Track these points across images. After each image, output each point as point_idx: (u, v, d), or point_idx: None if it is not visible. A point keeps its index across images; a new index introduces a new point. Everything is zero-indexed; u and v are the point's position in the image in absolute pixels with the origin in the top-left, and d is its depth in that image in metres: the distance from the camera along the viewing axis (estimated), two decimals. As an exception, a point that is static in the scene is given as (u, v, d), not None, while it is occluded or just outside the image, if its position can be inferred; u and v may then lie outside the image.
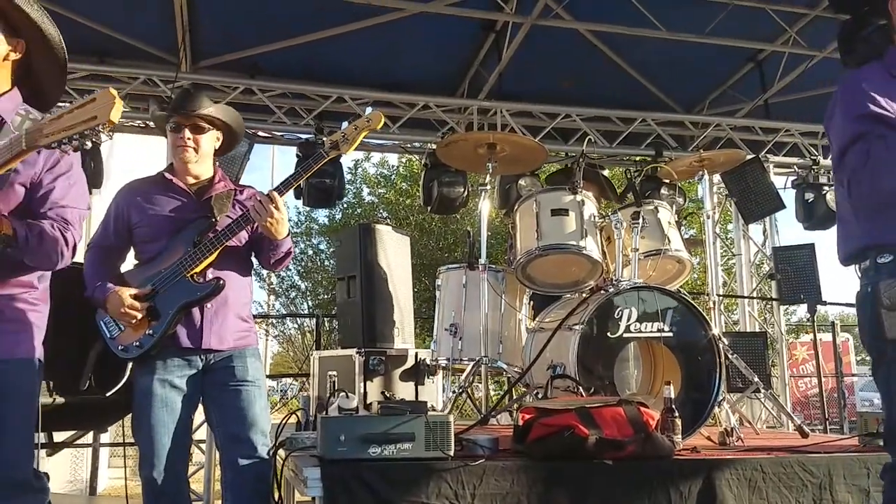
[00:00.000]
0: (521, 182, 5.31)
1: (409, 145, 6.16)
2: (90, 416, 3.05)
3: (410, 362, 4.38)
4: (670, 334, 3.16)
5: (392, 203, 13.81)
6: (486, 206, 3.62)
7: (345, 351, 4.34)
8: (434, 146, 5.71)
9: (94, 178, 4.91)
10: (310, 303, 16.16)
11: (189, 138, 2.74)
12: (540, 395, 3.18)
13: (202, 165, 2.81)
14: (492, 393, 4.10)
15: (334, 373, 4.34)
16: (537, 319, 3.74)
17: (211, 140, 2.81)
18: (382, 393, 4.09)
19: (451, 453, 2.39)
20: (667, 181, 4.61)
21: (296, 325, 16.75)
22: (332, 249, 14.88)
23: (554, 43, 5.09)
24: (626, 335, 3.11)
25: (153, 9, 4.64)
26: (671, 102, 6.06)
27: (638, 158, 6.25)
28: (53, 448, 3.04)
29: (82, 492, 7.24)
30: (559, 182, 4.62)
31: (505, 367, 3.68)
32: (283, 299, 16.40)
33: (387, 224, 6.28)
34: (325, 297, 15.09)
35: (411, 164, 13.51)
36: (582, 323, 3.06)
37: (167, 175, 2.81)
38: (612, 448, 2.49)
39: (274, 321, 15.61)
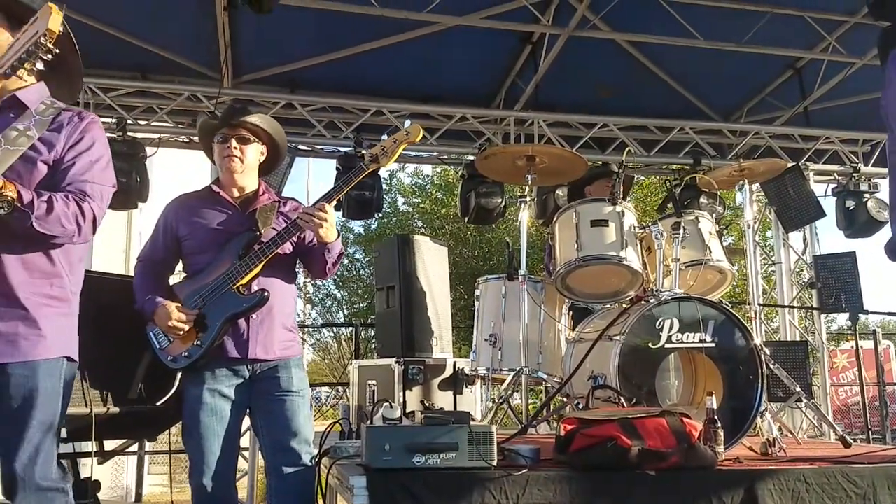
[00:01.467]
0: (559, 192, 5.32)
1: (446, 156, 6.21)
2: (141, 425, 3.13)
3: (449, 372, 4.41)
4: (712, 345, 3.14)
5: (427, 213, 13.89)
6: (525, 218, 3.65)
7: (384, 360, 4.39)
8: (471, 157, 5.77)
9: (141, 192, 5.06)
10: (345, 312, 16.32)
11: (236, 147, 2.81)
12: (581, 406, 3.19)
13: (247, 177, 2.88)
14: (530, 403, 4.11)
15: (374, 382, 4.41)
16: (577, 330, 3.74)
17: (256, 152, 2.89)
18: (422, 402, 4.12)
19: (494, 463, 2.41)
20: (705, 190, 4.59)
21: (332, 334, 16.92)
22: (367, 259, 15.01)
23: (591, 53, 5.11)
24: (667, 346, 3.10)
25: (196, 25, 4.76)
26: (709, 111, 6.03)
27: (675, 167, 6.22)
28: (104, 456, 3.12)
29: (123, 498, 7.40)
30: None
31: (545, 377, 3.70)
32: (320, 308, 16.59)
33: (424, 234, 6.34)
34: (361, 306, 15.22)
35: (446, 174, 13.59)
36: (623, 333, 3.06)
37: (214, 188, 2.89)
38: (655, 459, 2.49)
39: (310, 330, 15.78)
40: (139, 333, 2.79)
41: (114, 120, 5.08)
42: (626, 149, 4.30)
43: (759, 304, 3.68)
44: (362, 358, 6.35)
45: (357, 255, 15.57)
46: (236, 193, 2.87)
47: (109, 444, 3.49)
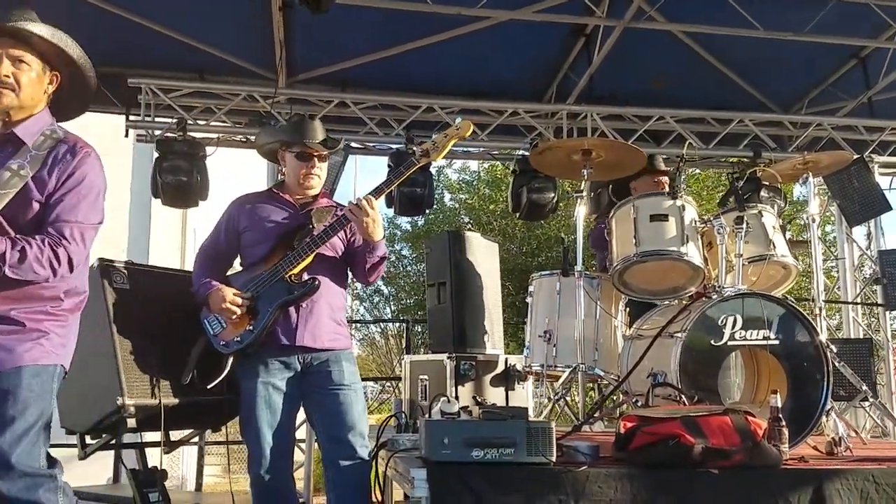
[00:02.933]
0: (613, 186, 5.24)
1: (496, 152, 6.18)
2: (206, 415, 3.21)
3: (500, 368, 4.40)
4: (776, 342, 3.08)
5: (475, 209, 13.87)
6: (581, 213, 3.61)
7: (435, 356, 4.41)
8: (522, 152, 5.73)
9: (200, 191, 5.17)
10: (392, 307, 16.44)
11: (318, 167, 2.93)
12: (640, 404, 3.15)
13: (316, 190, 2.97)
14: (578, 399, 4.07)
15: (426, 377, 4.43)
16: (634, 326, 3.69)
17: (327, 167, 3.02)
18: (474, 398, 4.13)
19: (553, 459, 2.40)
20: (766, 183, 4.47)
21: (379, 330, 17.08)
22: (415, 255, 15.09)
23: (645, 44, 5.01)
24: (730, 343, 3.05)
25: (251, 26, 4.82)
26: (769, 102, 5.86)
27: (734, 160, 6.07)
28: (170, 446, 3.21)
29: (178, 488, 7.60)
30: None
31: (602, 374, 3.66)
32: (368, 304, 16.76)
33: (472, 230, 6.34)
34: (409, 302, 15.32)
35: (494, 170, 13.54)
36: (684, 330, 3.02)
37: (275, 190, 3.01)
38: (718, 457, 2.46)
39: (358, 325, 15.96)
40: (196, 326, 2.88)
41: (174, 120, 5.19)
42: (687, 142, 4.20)
43: (825, 301, 3.57)
44: (412, 353, 6.38)
45: (404, 252, 15.68)
46: (298, 197, 2.96)
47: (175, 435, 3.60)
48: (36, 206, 2.17)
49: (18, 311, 2.16)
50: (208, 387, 2.82)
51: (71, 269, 2.17)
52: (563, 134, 5.62)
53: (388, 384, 11.54)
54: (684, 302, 3.42)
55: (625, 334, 3.76)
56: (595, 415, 3.49)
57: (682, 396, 2.90)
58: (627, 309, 3.99)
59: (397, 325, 15.90)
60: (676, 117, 5.73)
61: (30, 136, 2.19)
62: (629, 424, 2.61)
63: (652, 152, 5.78)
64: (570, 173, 3.93)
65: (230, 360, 2.82)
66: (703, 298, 3.18)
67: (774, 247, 3.44)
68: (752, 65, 5.42)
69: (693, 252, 3.38)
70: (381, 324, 16.93)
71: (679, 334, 3.03)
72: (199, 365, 2.89)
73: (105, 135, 5.17)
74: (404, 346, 10.50)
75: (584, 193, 3.58)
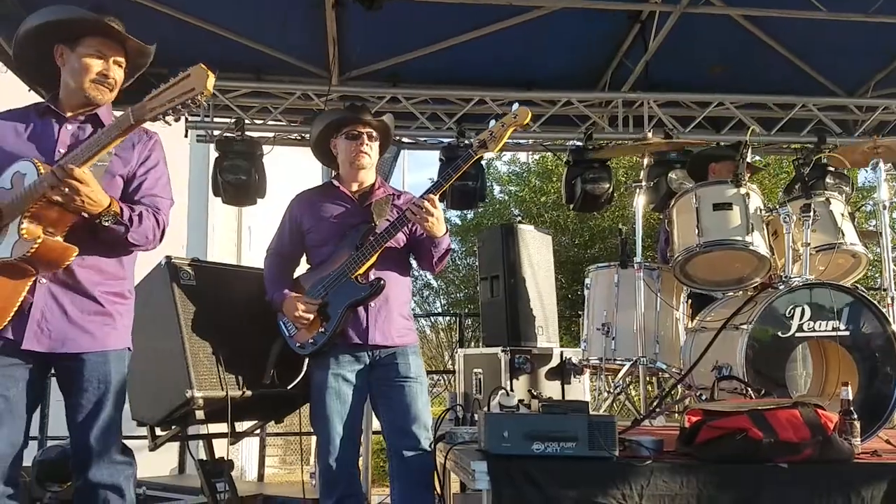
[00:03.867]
0: (672, 175, 5.11)
1: (549, 142, 6.12)
2: (270, 407, 3.29)
3: (555, 361, 4.39)
4: (846, 333, 2.98)
5: (525, 201, 13.74)
6: (640, 203, 3.54)
7: (489, 349, 4.42)
8: (576, 142, 5.66)
9: (259, 189, 5.27)
10: (442, 301, 16.48)
11: (367, 145, 2.92)
12: (704, 397, 3.09)
13: (369, 172, 2.99)
14: (636, 393, 4.01)
15: (480, 370, 4.44)
16: (697, 319, 3.61)
17: (377, 149, 2.99)
18: (529, 391, 4.12)
19: (616, 453, 2.38)
20: (832, 169, 4.32)
21: (429, 323, 17.14)
22: (464, 249, 15.07)
23: (703, 29, 4.87)
24: (798, 334, 2.96)
25: (304, 25, 4.87)
26: (833, 86, 5.64)
27: (797, 146, 5.87)
28: (236, 437, 3.30)
29: (238, 478, 7.80)
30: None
31: (664, 367, 3.60)
32: (418, 298, 16.82)
33: (523, 223, 6.29)
34: (459, 295, 15.32)
35: (544, 161, 13.40)
36: (750, 322, 2.94)
37: (334, 183, 3.02)
38: (788, 451, 2.40)
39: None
40: (271, 323, 2.96)
41: (232, 120, 5.30)
42: (750, 129, 4.07)
43: (897, 291, 3.43)
44: (465, 347, 6.39)
45: (454, 246, 15.63)
46: (355, 188, 2.99)
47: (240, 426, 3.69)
48: (119, 181, 2.38)
49: (101, 291, 2.31)
50: (288, 387, 2.91)
51: (162, 238, 2.41)
52: (619, 122, 5.52)
53: (439, 377, 11.60)
54: (749, 293, 3.34)
55: (687, 327, 3.68)
56: (657, 409, 3.43)
57: (749, 390, 2.83)
58: (689, 301, 3.91)
59: (447, 318, 15.94)
60: (737, 103, 5.57)
61: (109, 118, 2.40)
62: (694, 418, 2.58)
63: (710, 139, 5.69)
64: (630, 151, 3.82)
65: (307, 361, 2.89)
66: (770, 289, 3.10)
67: (843, 235, 3.32)
68: (814, 47, 5.22)
69: (759, 241, 3.28)
70: (432, 317, 17.00)
71: (745, 326, 2.96)
72: (277, 364, 2.97)
73: (164, 135, 5.33)
74: (456, 339, 10.53)
75: (644, 183, 3.51)
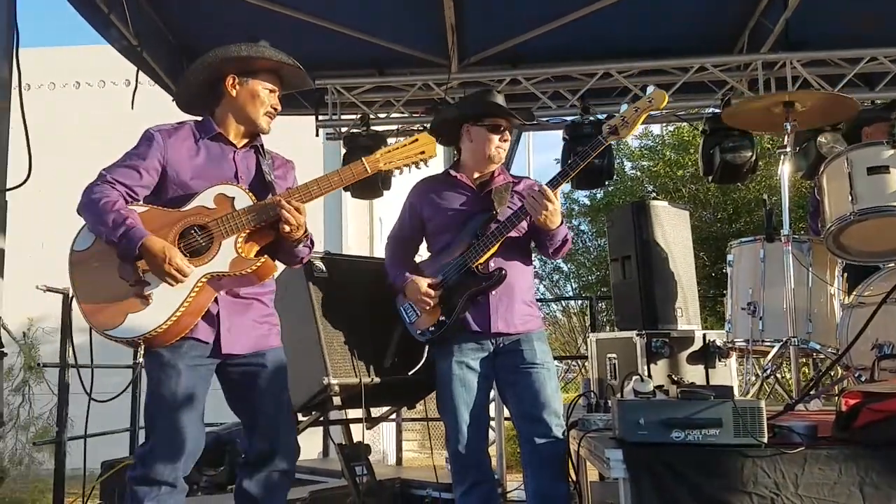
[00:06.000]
0: (822, 139, 4.68)
1: (682, 112, 5.81)
2: (402, 393, 3.36)
3: (698, 344, 4.18)
4: None
5: (660, 175, 13.17)
6: (786, 171, 3.27)
7: (623, 333, 4.28)
8: (713, 110, 5.33)
9: (385, 181, 5.41)
10: (573, 284, 16.21)
11: (506, 140, 2.93)
12: (864, 378, 2.83)
13: (499, 162, 2.96)
14: (790, 376, 3.73)
15: (614, 355, 4.31)
16: (854, 294, 3.31)
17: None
18: (669, 376, 3.95)
19: (765, 440, 2.23)
20: None
21: (560, 308, 16.94)
22: (594, 230, 14.71)
23: (850, -22, 4.44)
24: (972, 308, 2.63)
25: (422, 16, 4.91)
26: None
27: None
28: (372, 422, 3.40)
29: (380, 462, 8.09)
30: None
31: (818, 347, 3.32)
32: (548, 282, 16.65)
33: (658, 199, 6.03)
34: (590, 278, 14.99)
35: (680, 132, 12.78)
36: (915, 295, 2.65)
37: (452, 172, 3.01)
38: (958, 435, 2.14)
39: (539, 304, 15.90)
40: (388, 309, 3.01)
41: (358, 116, 5.45)
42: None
43: None
44: (597, 331, 6.24)
45: (583, 227, 15.31)
46: (475, 176, 2.97)
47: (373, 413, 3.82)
48: None
49: (263, 296, 2.50)
50: (410, 373, 2.96)
51: None
52: (759, 86, 5.13)
53: (574, 363, 11.42)
54: (912, 263, 3.00)
55: (843, 303, 3.38)
56: (811, 392, 3.17)
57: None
58: (845, 275, 3.59)
59: (579, 302, 15.68)
60: (892, 56, 5.02)
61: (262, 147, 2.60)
62: (852, 401, 2.36)
63: (863, 97, 5.16)
64: (770, 127, 3.57)
65: (428, 348, 2.92)
66: (939, 258, 2.77)
67: None
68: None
69: (921, 207, 2.95)
70: (563, 302, 16.77)
71: (908, 300, 2.67)
72: (399, 350, 3.03)
73: (298, 134, 5.58)
74: (588, 323, 10.33)
75: (789, 149, 3.23)
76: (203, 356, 2.36)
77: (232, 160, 2.48)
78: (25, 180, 2.93)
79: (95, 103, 10.39)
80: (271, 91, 2.50)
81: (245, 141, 2.53)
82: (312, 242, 2.51)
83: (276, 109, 2.52)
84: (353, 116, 5.55)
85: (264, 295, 2.51)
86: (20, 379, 6.95)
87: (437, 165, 5.69)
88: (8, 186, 3.07)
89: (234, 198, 2.35)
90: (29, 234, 8.16)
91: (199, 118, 2.55)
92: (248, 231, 2.32)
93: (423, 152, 2.44)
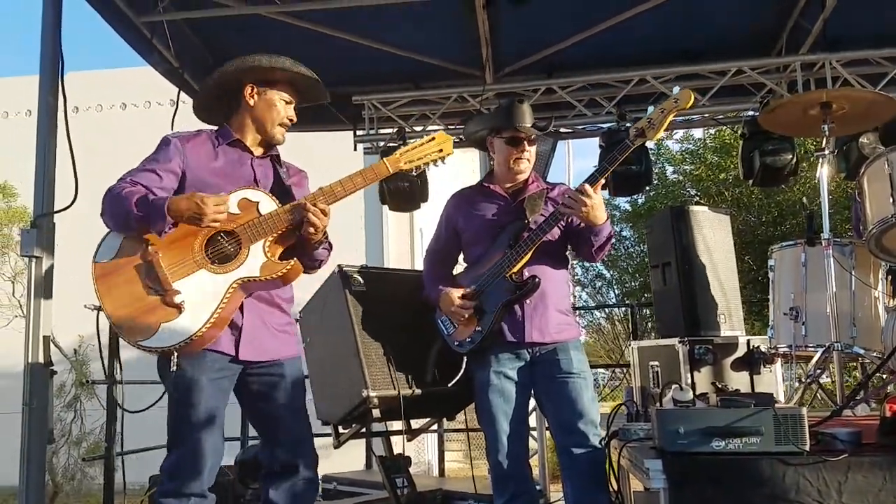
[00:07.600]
0: (863, 140, 4.57)
1: (721, 116, 5.74)
2: (441, 405, 3.38)
3: (742, 350, 4.11)
4: None
5: (702, 179, 12.97)
6: (825, 174, 3.21)
7: (665, 340, 4.23)
8: (751, 113, 5.25)
9: (422, 193, 5.47)
10: (616, 291, 16.04)
11: (528, 151, 2.93)
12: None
13: (526, 174, 2.97)
14: (832, 382, 3.64)
15: (656, 363, 4.26)
16: (899, 297, 3.23)
17: (535, 151, 3.00)
18: (713, 384, 3.90)
19: (807, 448, 2.18)
20: None
21: (604, 315, 16.74)
22: (636, 236, 14.54)
23: (890, -26, 4.33)
24: None
25: (456, 28, 4.94)
26: None
27: None
28: (411, 434, 3.42)
29: (425, 473, 8.10)
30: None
31: (862, 352, 3.25)
32: (590, 289, 16.50)
33: (700, 204, 5.95)
34: (633, 285, 14.81)
35: (721, 135, 12.58)
36: (964, 298, 2.57)
37: (486, 183, 3.05)
38: None
39: (582, 312, 15.76)
40: (426, 321, 3.03)
41: (394, 130, 5.51)
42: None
43: None
44: (640, 338, 6.17)
45: (625, 233, 15.19)
46: (508, 185, 2.98)
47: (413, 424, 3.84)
48: None
49: (284, 304, 2.54)
50: (449, 385, 2.97)
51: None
52: (799, 87, 5.04)
53: (619, 371, 11.29)
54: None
55: (888, 306, 3.29)
56: (857, 398, 3.09)
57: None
58: (889, 277, 3.50)
59: (622, 309, 15.48)
60: (935, 53, 4.88)
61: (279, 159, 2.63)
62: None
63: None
64: (808, 131, 3.50)
65: (465, 358, 2.94)
66: None
67: None
68: None
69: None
70: (606, 309, 16.58)
71: (958, 303, 2.59)
72: (437, 362, 3.05)
73: (338, 150, 5.68)
74: (631, 330, 10.22)
75: (827, 151, 3.17)
76: (224, 368, 2.38)
77: (250, 165, 2.52)
78: (73, 202, 3.05)
79: (142, 123, 10.70)
80: (288, 102, 2.53)
81: (262, 150, 2.57)
82: (331, 245, 2.52)
83: (291, 120, 2.55)
84: (390, 130, 5.61)
85: (285, 302, 2.53)
86: (72, 395, 7.12)
87: (477, 177, 5.73)
88: (56, 208, 3.19)
89: (258, 202, 2.36)
90: (79, 254, 8.42)
91: (216, 127, 2.60)
92: (275, 235, 2.34)
93: (441, 150, 2.49)
